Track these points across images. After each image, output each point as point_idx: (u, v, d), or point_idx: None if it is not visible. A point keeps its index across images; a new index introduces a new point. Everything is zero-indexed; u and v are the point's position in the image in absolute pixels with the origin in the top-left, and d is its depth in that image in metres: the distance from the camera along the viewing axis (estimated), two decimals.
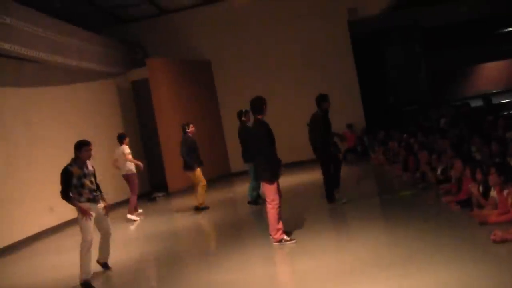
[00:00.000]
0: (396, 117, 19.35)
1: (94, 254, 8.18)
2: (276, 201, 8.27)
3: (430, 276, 5.74)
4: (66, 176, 7.79)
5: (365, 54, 19.46)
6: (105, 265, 8.52)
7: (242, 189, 15.24)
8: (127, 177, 13.46)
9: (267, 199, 8.37)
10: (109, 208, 8.40)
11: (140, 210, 14.40)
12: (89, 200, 7.87)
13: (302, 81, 19.02)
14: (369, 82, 19.41)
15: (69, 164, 7.88)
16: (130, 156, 13.28)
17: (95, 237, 8.05)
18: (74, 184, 7.80)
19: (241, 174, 18.34)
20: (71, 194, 7.81)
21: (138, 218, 13.62)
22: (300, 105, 17.49)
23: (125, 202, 14.95)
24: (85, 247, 7.80)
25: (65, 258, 10.01)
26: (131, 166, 13.38)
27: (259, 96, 8.65)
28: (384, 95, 20.52)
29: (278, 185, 8.38)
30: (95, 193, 7.99)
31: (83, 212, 7.73)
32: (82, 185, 7.83)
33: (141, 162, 14.02)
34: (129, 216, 13.47)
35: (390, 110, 20.02)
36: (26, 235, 12.52)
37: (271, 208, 8.29)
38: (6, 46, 11.34)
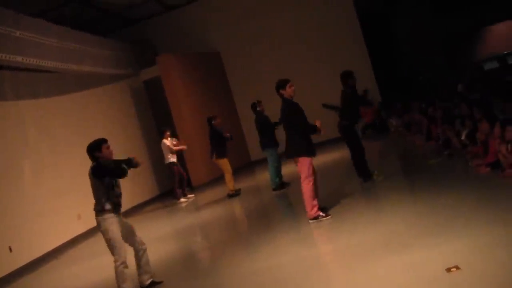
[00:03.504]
0: (411, 87, 19.21)
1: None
2: (311, 177, 8.32)
3: (469, 240, 5.69)
4: (101, 167, 6.90)
5: (373, 27, 19.33)
6: (152, 284, 7.37)
7: (265, 175, 15.32)
8: (168, 167, 15.10)
9: (302, 176, 8.38)
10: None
11: (191, 195, 15.67)
12: (115, 206, 6.98)
13: (314, 62, 18.97)
14: (380, 55, 19.28)
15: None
16: (172, 147, 14.85)
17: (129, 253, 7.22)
18: (106, 183, 6.91)
19: (261, 162, 18.38)
20: (103, 200, 6.89)
21: (189, 197, 15.37)
22: (314, 86, 17.47)
23: (140, 206, 16.20)
24: (120, 267, 6.89)
25: (99, 261, 10.07)
26: (171, 157, 14.88)
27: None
28: (396, 66, 20.37)
29: (311, 163, 8.42)
30: (120, 202, 7.12)
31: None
32: (112, 187, 6.98)
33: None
34: (181, 200, 15.15)
35: (404, 80, 19.87)
36: (57, 243, 12.66)
37: (306, 185, 8.32)
38: (19, 58, 11.40)
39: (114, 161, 7.09)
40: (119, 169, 6.96)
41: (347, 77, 10.37)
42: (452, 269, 4.97)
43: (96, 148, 7.05)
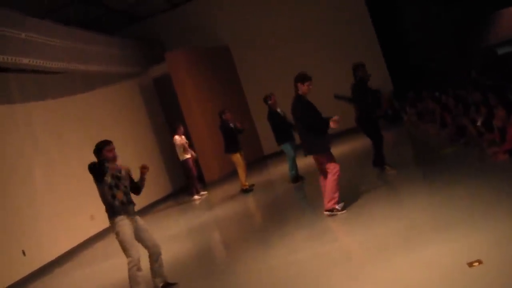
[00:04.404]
0: (423, 75, 18.93)
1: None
2: (337, 169, 8.22)
3: (491, 232, 5.50)
4: (99, 166, 6.72)
5: (383, 15, 19.07)
6: (165, 286, 7.22)
7: (278, 169, 15.22)
8: (182, 163, 14.96)
9: (328, 170, 8.27)
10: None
11: (204, 192, 15.49)
12: (123, 204, 6.84)
13: (323, 53, 18.78)
14: (391, 44, 19.03)
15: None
16: (179, 144, 14.76)
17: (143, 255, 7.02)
18: (109, 182, 6.80)
19: (274, 156, 18.26)
20: (109, 200, 6.79)
21: (203, 194, 15.21)
22: (324, 77, 17.22)
23: (154, 204, 16.23)
24: (133, 268, 6.74)
25: (113, 263, 10.01)
26: (184, 153, 14.75)
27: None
28: (408, 54, 20.09)
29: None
30: (130, 199, 6.99)
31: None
32: (117, 186, 6.85)
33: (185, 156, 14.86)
34: (194, 197, 15.03)
35: (416, 69, 19.58)
36: (71, 246, 12.62)
37: (332, 176, 8.21)
38: (25, 60, 11.30)
39: (101, 171, 6.82)
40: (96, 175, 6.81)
41: (355, 69, 10.34)
42: (474, 264, 4.79)
43: (98, 150, 6.93)
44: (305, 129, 8.36)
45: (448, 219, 6.39)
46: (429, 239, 5.90)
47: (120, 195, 6.85)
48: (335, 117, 8.15)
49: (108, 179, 6.82)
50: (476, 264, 4.77)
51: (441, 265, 5.14)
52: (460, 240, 5.55)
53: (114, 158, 6.97)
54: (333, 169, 8.23)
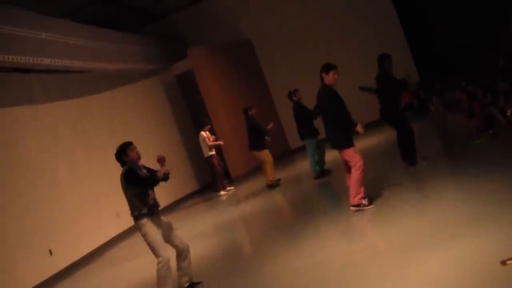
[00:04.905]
0: (449, 65, 18.58)
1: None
2: (360, 163, 8.03)
3: None
4: (133, 173, 6.72)
5: (407, 6, 18.76)
6: (191, 286, 7.10)
7: (305, 164, 15.04)
8: (207, 160, 14.95)
9: (352, 164, 8.09)
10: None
11: (230, 188, 15.53)
12: (152, 209, 6.77)
13: (348, 45, 18.53)
14: (416, 34, 18.70)
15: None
16: (207, 141, 14.73)
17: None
18: (140, 189, 6.76)
19: (301, 150, 18.07)
20: (138, 205, 6.71)
21: (229, 190, 15.24)
22: (351, 68, 16.96)
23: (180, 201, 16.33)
24: (163, 269, 6.66)
25: (139, 262, 9.98)
26: (210, 150, 14.79)
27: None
28: (433, 44, 19.73)
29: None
30: (157, 203, 6.95)
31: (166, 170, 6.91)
32: (146, 192, 6.79)
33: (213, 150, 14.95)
34: (221, 193, 15.09)
35: (442, 59, 19.23)
36: (97, 244, 12.64)
37: (356, 170, 8.03)
38: (47, 61, 11.29)
39: (151, 174, 6.89)
40: (153, 181, 6.85)
41: (379, 60, 10.08)
42: (507, 262, 4.57)
43: (121, 153, 6.86)
44: (329, 120, 8.21)
45: (478, 214, 6.16)
46: (459, 235, 5.68)
47: (148, 200, 6.78)
48: (359, 126, 8.04)
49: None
50: (510, 262, 4.56)
51: (472, 263, 4.94)
52: (491, 236, 5.33)
53: (138, 158, 6.92)
54: (356, 163, 8.04)
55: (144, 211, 6.73)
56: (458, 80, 14.73)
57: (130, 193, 6.78)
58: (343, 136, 8.11)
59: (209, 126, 15.09)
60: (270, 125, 13.41)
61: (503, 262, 4.58)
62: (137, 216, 6.78)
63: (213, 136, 15.09)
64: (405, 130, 9.96)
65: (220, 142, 15.09)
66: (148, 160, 7.81)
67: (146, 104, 17.09)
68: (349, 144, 8.11)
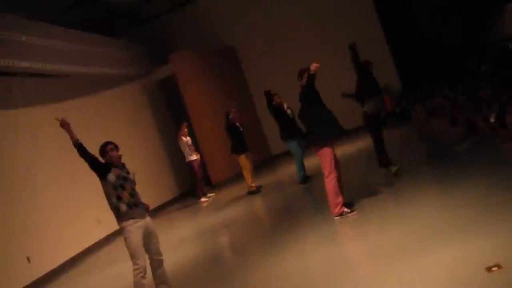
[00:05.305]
0: (432, 72, 18.66)
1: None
2: (334, 174, 7.88)
3: (510, 235, 5.21)
4: (101, 162, 6.68)
5: (390, 13, 18.83)
6: None
7: (286, 170, 15.00)
8: (188, 165, 14.87)
9: (324, 172, 7.96)
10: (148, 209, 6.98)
11: (211, 194, 15.37)
12: (130, 207, 6.57)
13: (329, 50, 18.48)
14: (399, 41, 18.76)
15: None
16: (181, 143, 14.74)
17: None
18: (113, 183, 6.56)
19: (283, 155, 18.04)
20: (114, 201, 6.55)
21: (210, 196, 15.06)
22: (332, 75, 16.96)
23: (161, 207, 16.08)
24: (138, 277, 6.54)
25: (119, 269, 9.81)
26: (191, 155, 14.72)
27: None
28: (416, 52, 19.81)
29: (335, 156, 8.00)
30: (138, 201, 6.73)
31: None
32: (122, 187, 6.59)
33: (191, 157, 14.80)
34: (201, 200, 14.85)
35: (424, 66, 19.31)
36: (78, 251, 12.43)
37: (329, 182, 7.90)
38: (26, 64, 11.12)
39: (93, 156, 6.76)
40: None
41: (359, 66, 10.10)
42: (493, 269, 4.54)
43: (101, 152, 6.81)
44: (310, 116, 8.11)
45: (464, 221, 6.11)
46: (444, 242, 5.64)
47: (126, 195, 6.59)
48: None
49: (113, 178, 6.59)
50: (496, 269, 4.52)
51: (457, 270, 4.90)
52: (476, 243, 5.30)
53: (117, 158, 6.80)
54: (329, 173, 7.91)
55: (123, 208, 6.56)
56: (440, 87, 14.80)
57: (104, 188, 6.66)
58: (320, 133, 7.97)
59: (186, 124, 15.01)
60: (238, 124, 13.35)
61: (489, 269, 4.54)
62: (116, 215, 6.63)
63: (187, 130, 15.02)
64: (376, 136, 9.89)
65: (195, 158, 14.85)
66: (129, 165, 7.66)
67: (128, 109, 16.93)
68: (325, 143, 7.93)
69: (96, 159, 6.71)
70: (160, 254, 6.87)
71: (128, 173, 6.82)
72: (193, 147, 15.00)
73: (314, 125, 8.04)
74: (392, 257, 5.83)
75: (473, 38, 19.14)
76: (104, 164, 6.68)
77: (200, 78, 17.66)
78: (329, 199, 8.01)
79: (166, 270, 6.97)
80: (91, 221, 13.03)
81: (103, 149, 6.79)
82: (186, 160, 14.84)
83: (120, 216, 6.62)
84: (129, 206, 6.61)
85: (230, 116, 13.34)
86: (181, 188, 18.01)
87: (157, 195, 16.11)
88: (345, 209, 7.96)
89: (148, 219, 6.79)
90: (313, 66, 7.81)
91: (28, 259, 11.00)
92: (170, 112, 18.99)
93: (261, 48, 19.45)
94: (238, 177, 16.18)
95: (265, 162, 18.56)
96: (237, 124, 13.37)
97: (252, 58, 19.67)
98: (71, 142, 6.81)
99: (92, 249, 12.83)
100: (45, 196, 12.13)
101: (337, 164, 8.06)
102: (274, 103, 12.35)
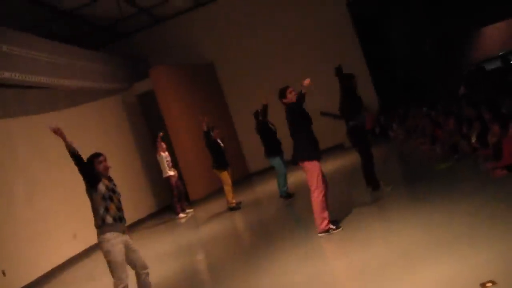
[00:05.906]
0: (410, 91, 18.85)
1: None
2: (320, 189, 7.84)
3: (500, 250, 5.21)
4: (91, 170, 6.51)
5: (368, 32, 19.02)
6: None
7: (265, 187, 14.96)
8: (166, 181, 14.85)
9: (311, 187, 7.91)
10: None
11: (189, 210, 15.23)
12: (115, 221, 6.41)
13: (309, 68, 18.53)
14: (377, 61, 18.93)
15: None
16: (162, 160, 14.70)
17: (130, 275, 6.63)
18: (103, 193, 6.42)
19: (260, 173, 18.01)
20: (101, 212, 6.39)
21: (188, 212, 14.94)
22: (310, 93, 16.98)
23: (138, 222, 16.01)
24: None
25: (95, 285, 9.64)
26: (169, 170, 14.69)
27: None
28: (394, 72, 20.02)
29: (321, 172, 7.95)
30: (122, 215, 6.58)
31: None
32: (111, 198, 6.47)
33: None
34: (180, 216, 14.69)
35: (402, 85, 19.51)
36: (53, 265, 12.18)
37: (316, 197, 7.84)
38: (6, 74, 10.96)
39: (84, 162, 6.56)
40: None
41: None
42: (487, 284, 4.51)
43: (90, 164, 6.58)
44: (297, 134, 8.10)
45: (450, 238, 6.09)
46: (433, 259, 5.61)
47: (113, 208, 6.46)
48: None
49: (103, 188, 6.45)
50: (490, 285, 4.50)
51: (450, 286, 4.86)
52: (468, 259, 5.28)
53: (105, 170, 6.65)
54: (315, 189, 7.87)
55: (109, 220, 6.40)
56: (419, 106, 14.92)
57: (92, 198, 6.49)
58: (310, 148, 7.97)
59: (161, 134, 15.01)
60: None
61: (483, 285, 4.52)
62: (100, 226, 6.44)
63: (165, 145, 15.04)
64: (364, 153, 9.89)
65: (172, 173, 14.79)
66: None
67: (106, 122, 16.78)
68: (310, 156, 7.91)
69: (90, 167, 6.55)
70: (146, 267, 6.74)
71: (115, 185, 6.70)
72: (171, 163, 14.89)
73: (303, 142, 8.00)
74: (379, 274, 5.77)
75: (451, 60, 19.40)
76: (96, 174, 6.55)
77: (179, 92, 17.63)
78: (315, 213, 7.95)
79: (151, 284, 6.81)
80: (67, 236, 12.82)
81: (95, 159, 6.62)
82: (163, 176, 14.76)
83: (104, 227, 6.43)
84: (115, 219, 6.47)
85: (212, 133, 13.31)
86: (158, 204, 17.84)
87: (134, 210, 15.92)
88: (331, 226, 7.91)
89: (127, 236, 6.65)
90: (306, 83, 7.82)
91: (4, 273, 10.75)
92: (149, 127, 18.86)
93: (240, 64, 19.51)
94: (217, 193, 16.10)
95: (243, 180, 18.47)
96: (218, 140, 13.32)
97: (231, 74, 19.70)
98: (65, 149, 6.55)
99: (68, 263, 12.59)
100: (21, 209, 11.90)
101: (324, 179, 8.04)
102: (260, 119, 12.29)
